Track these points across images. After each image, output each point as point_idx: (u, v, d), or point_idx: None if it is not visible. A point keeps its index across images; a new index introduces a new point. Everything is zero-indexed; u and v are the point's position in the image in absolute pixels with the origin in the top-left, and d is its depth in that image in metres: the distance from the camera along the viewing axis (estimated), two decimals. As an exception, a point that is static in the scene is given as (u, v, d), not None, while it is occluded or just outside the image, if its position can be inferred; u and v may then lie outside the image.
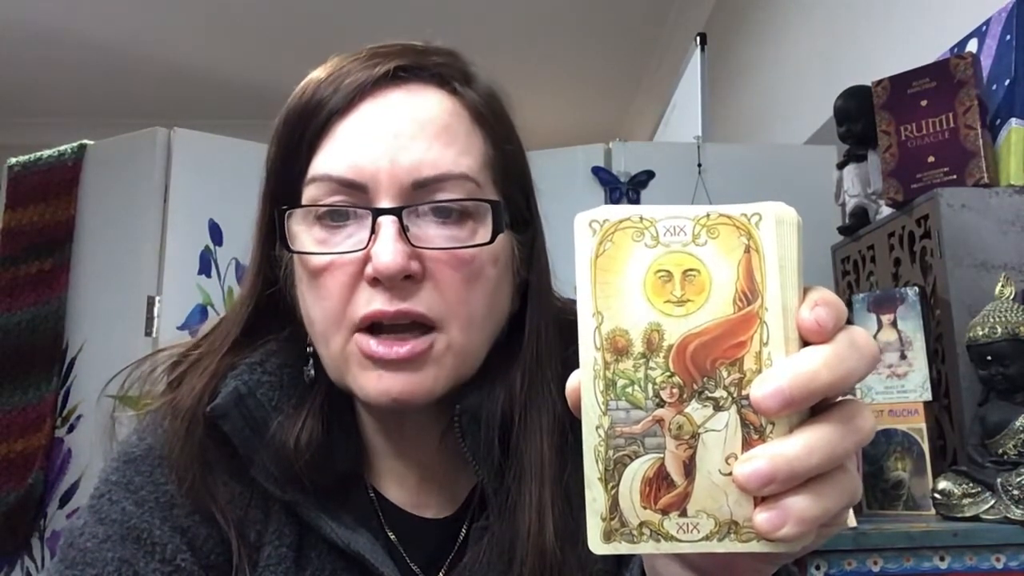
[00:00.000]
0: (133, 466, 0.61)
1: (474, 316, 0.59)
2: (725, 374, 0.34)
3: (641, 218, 0.34)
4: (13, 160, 2.21)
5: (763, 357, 0.33)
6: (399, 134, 0.58)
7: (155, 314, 1.96)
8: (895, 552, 0.98)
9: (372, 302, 0.56)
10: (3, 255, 2.11)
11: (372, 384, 0.57)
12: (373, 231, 0.56)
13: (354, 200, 0.58)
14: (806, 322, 0.33)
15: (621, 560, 0.59)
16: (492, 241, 0.59)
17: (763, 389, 0.32)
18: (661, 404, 0.34)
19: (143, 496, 0.60)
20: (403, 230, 0.56)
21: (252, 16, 3.81)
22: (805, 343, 0.34)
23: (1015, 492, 1.00)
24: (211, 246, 2.04)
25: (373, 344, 0.56)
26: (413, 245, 0.56)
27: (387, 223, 0.56)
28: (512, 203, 0.63)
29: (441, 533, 0.65)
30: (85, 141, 2.16)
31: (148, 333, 1.95)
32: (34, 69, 4.25)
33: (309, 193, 0.59)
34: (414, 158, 0.57)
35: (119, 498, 0.60)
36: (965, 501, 1.04)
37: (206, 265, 2.03)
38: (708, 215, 0.34)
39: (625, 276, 0.34)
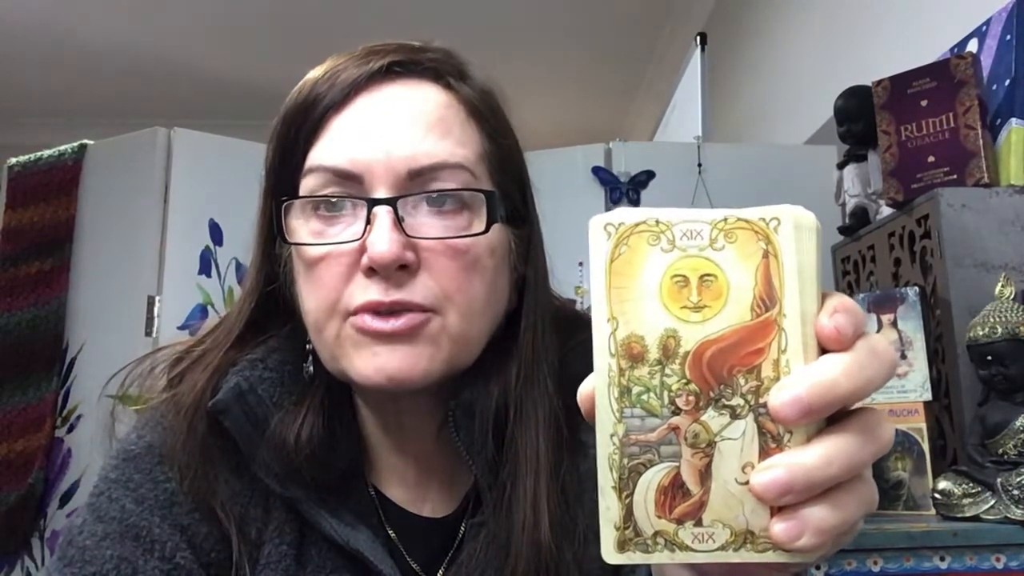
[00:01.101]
0: (132, 464, 0.61)
1: (472, 304, 0.59)
2: (742, 382, 0.33)
3: (657, 221, 0.34)
4: (13, 160, 2.21)
5: (781, 365, 0.33)
6: (394, 125, 0.58)
7: (155, 314, 1.96)
8: (895, 552, 0.98)
9: (368, 292, 0.56)
10: (3, 255, 2.11)
11: (367, 363, 0.57)
12: (368, 221, 0.56)
13: (350, 191, 0.58)
14: (825, 329, 0.33)
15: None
16: (487, 230, 0.58)
17: (781, 397, 0.32)
18: (677, 412, 0.33)
19: (142, 494, 0.60)
20: (398, 220, 0.56)
21: (252, 16, 3.81)
22: (824, 351, 0.33)
23: (1015, 492, 1.00)
24: (211, 246, 2.04)
25: (368, 319, 0.56)
26: (408, 235, 0.56)
27: (382, 213, 0.56)
28: (508, 198, 0.63)
29: (441, 531, 0.65)
30: (85, 141, 2.16)
31: (148, 333, 1.95)
32: (34, 69, 4.25)
33: (306, 185, 0.59)
34: (409, 148, 0.57)
35: (118, 496, 0.60)
36: (965, 501, 1.04)
37: (206, 265, 2.03)
38: (726, 219, 0.33)
39: (641, 281, 0.34)
